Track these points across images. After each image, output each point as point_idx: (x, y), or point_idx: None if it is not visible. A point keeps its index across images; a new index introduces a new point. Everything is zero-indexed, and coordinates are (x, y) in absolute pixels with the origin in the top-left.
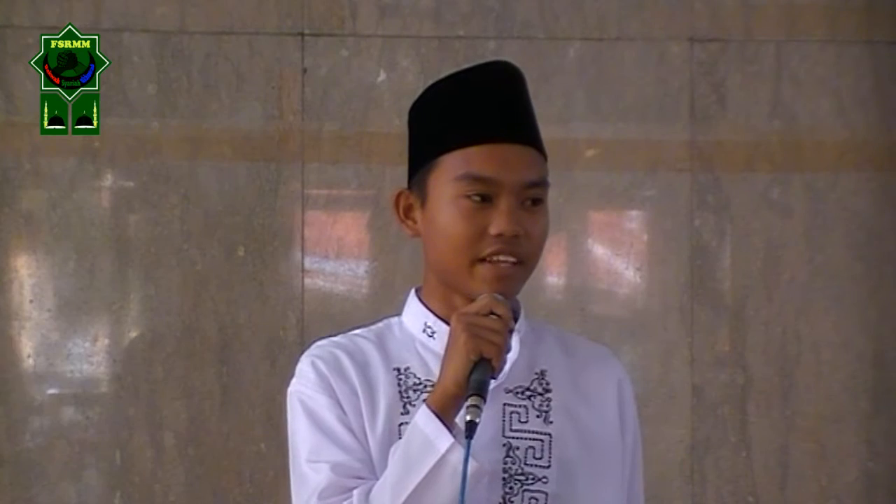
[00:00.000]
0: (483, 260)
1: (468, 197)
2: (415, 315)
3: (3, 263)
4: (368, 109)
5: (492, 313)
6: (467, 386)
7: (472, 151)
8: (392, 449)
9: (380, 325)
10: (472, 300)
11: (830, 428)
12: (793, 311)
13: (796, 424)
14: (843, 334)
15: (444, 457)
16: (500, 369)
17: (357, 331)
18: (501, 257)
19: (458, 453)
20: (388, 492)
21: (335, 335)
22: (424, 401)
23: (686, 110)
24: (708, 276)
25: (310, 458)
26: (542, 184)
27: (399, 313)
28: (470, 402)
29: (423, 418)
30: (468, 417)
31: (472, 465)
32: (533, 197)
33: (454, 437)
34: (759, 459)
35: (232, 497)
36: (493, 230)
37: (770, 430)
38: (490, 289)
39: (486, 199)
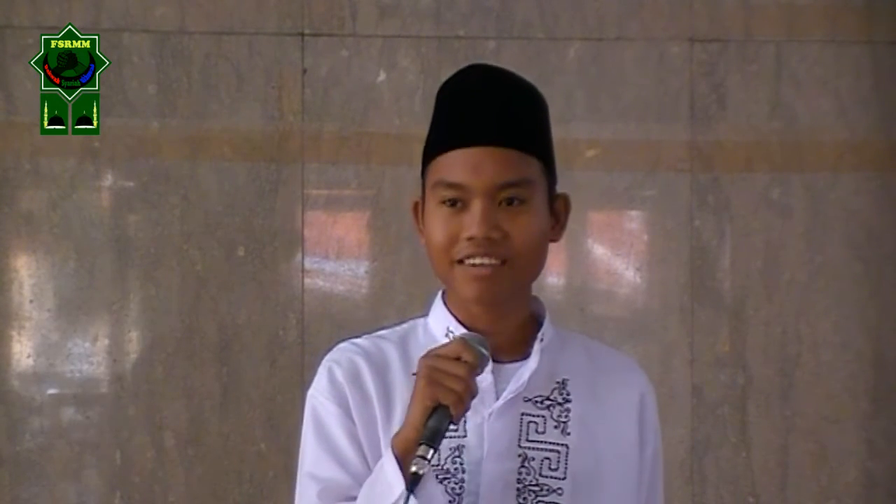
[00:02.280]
0: (461, 262)
1: (444, 203)
2: (438, 319)
3: (3, 263)
4: (368, 109)
5: (458, 359)
6: None
7: (446, 158)
8: (367, 479)
9: (405, 325)
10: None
11: (830, 428)
12: (793, 312)
13: (796, 424)
14: (843, 334)
15: (396, 503)
16: (461, 416)
17: (382, 332)
18: (476, 260)
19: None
20: None
21: (359, 336)
22: (391, 441)
23: (686, 110)
24: (708, 277)
25: (311, 470)
26: (520, 184)
27: (426, 314)
28: (418, 451)
29: (387, 460)
30: (413, 468)
31: None
32: (510, 197)
33: (407, 486)
34: (759, 459)
35: (231, 497)
36: (465, 234)
37: (770, 430)
38: (471, 290)
39: (460, 204)
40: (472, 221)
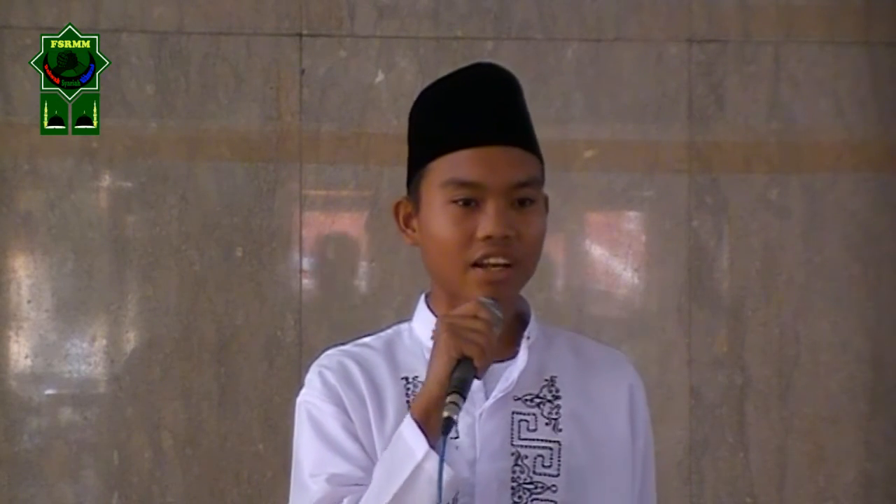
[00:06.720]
0: (475, 265)
1: (455, 202)
2: (423, 322)
3: (1, 264)
4: (366, 110)
5: (475, 317)
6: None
7: (457, 156)
8: (381, 455)
9: (389, 331)
10: None
11: (828, 429)
12: (791, 312)
13: (794, 425)
14: (842, 335)
15: (420, 464)
16: (483, 370)
17: (367, 339)
18: (492, 260)
19: (435, 461)
20: (372, 498)
21: (345, 343)
22: (409, 407)
23: (684, 111)
24: (706, 277)
25: (313, 472)
26: (531, 184)
27: (410, 318)
28: (449, 399)
29: (406, 425)
30: (445, 414)
31: (447, 471)
32: (522, 197)
33: (431, 445)
34: (757, 460)
35: (230, 497)
36: (480, 233)
37: (768, 430)
38: (484, 293)
39: (473, 204)
40: (489, 220)
